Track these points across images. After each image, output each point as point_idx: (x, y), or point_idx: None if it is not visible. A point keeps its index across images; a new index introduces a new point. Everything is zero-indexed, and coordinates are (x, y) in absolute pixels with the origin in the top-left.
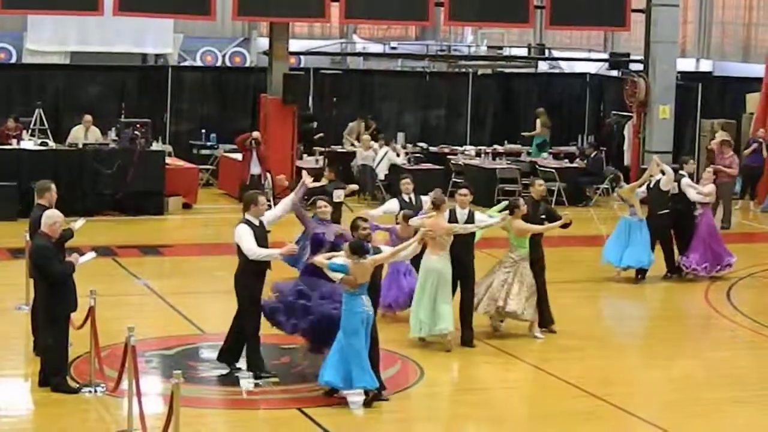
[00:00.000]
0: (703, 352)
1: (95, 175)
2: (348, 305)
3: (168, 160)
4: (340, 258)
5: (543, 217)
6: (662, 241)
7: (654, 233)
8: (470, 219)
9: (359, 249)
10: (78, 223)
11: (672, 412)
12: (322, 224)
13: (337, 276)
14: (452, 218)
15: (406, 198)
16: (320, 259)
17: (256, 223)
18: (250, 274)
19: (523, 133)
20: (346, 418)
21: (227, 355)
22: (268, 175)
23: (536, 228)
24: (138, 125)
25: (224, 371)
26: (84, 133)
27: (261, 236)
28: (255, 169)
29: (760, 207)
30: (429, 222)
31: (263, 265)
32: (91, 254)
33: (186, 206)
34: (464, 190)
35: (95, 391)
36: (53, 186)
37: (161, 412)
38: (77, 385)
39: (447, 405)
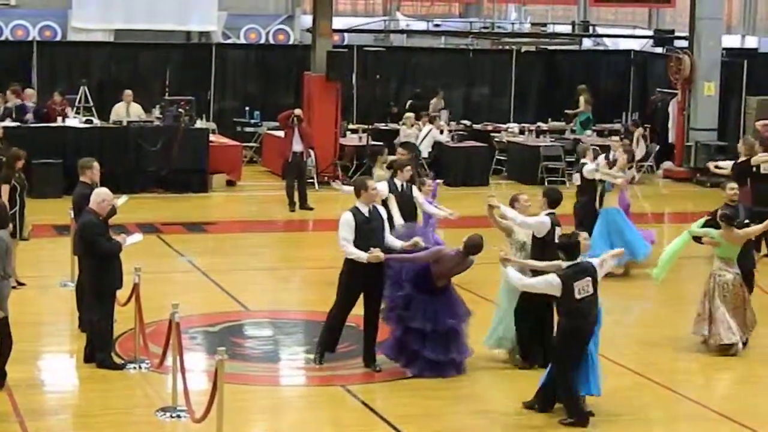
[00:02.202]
0: None
1: (140, 152)
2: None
3: (212, 137)
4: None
5: (747, 221)
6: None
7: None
8: None
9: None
10: (121, 200)
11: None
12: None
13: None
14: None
15: (398, 183)
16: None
17: (365, 211)
18: (349, 263)
19: (566, 111)
20: (387, 395)
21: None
22: (312, 152)
23: (757, 228)
24: (182, 103)
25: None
26: (126, 110)
27: (367, 226)
28: (297, 146)
29: None
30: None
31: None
32: (139, 236)
33: (230, 183)
34: (525, 196)
35: (140, 368)
36: (96, 164)
37: (205, 388)
38: (122, 362)
39: (488, 383)
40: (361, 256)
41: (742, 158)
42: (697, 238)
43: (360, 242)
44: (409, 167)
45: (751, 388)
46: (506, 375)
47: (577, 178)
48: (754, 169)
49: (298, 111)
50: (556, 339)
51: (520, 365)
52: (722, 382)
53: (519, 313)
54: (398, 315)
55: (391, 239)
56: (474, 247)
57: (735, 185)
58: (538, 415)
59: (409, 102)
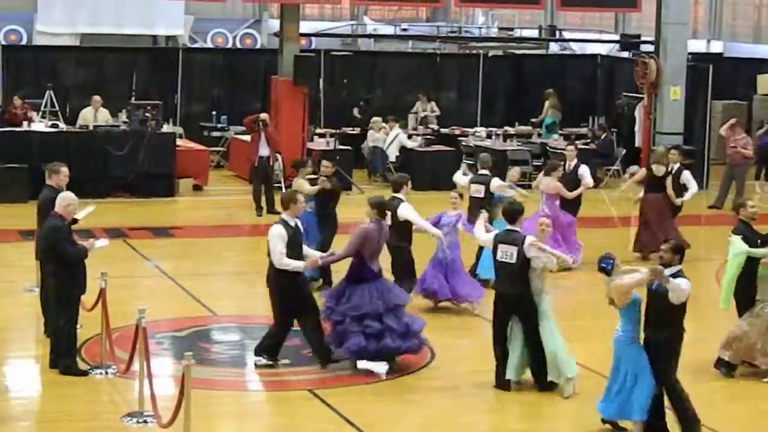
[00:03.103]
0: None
1: (106, 157)
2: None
3: (179, 142)
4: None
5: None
6: None
7: None
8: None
9: (599, 268)
10: (83, 213)
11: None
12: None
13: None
14: None
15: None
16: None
17: (292, 224)
18: (281, 276)
19: (532, 120)
20: (356, 400)
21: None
22: (279, 156)
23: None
24: (149, 107)
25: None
26: (93, 115)
27: (295, 239)
28: (263, 150)
29: None
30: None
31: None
32: (105, 241)
33: (197, 188)
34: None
35: (106, 373)
36: (64, 169)
37: (172, 393)
38: (87, 367)
39: (457, 386)
40: (299, 265)
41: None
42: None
43: (289, 254)
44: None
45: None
46: (476, 383)
47: (481, 191)
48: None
49: (264, 115)
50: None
51: None
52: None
53: None
54: (340, 309)
55: (307, 249)
56: (379, 204)
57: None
58: (500, 423)
59: (355, 110)
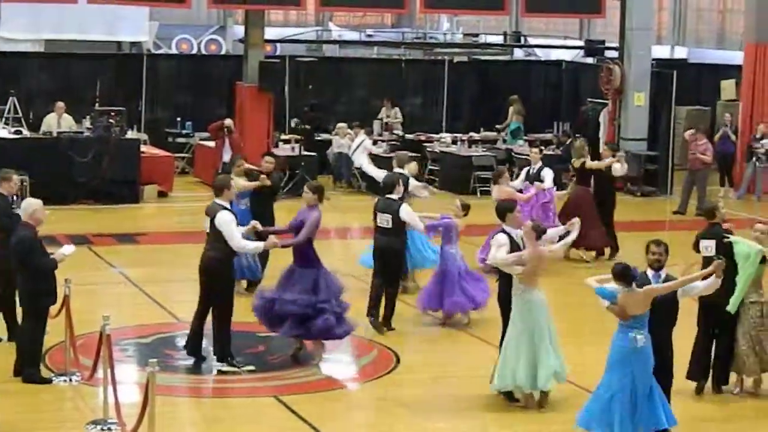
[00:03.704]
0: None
1: (70, 163)
2: (618, 337)
3: (143, 148)
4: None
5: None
6: None
7: None
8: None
9: (623, 275)
10: (64, 252)
11: None
12: (309, 210)
13: (603, 302)
14: (513, 243)
15: None
16: (590, 281)
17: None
18: (228, 263)
19: (497, 126)
20: (321, 406)
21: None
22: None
23: None
24: (113, 113)
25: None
26: (57, 121)
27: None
28: (227, 156)
29: (736, 194)
30: (530, 254)
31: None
32: (71, 248)
33: (161, 194)
34: (518, 207)
35: (70, 380)
36: (15, 177)
37: (137, 401)
38: (51, 375)
39: (422, 392)
40: (259, 245)
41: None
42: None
43: None
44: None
45: None
46: (441, 388)
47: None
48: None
49: (228, 121)
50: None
51: None
52: None
53: None
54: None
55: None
56: (319, 189)
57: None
58: (467, 429)
59: (294, 121)
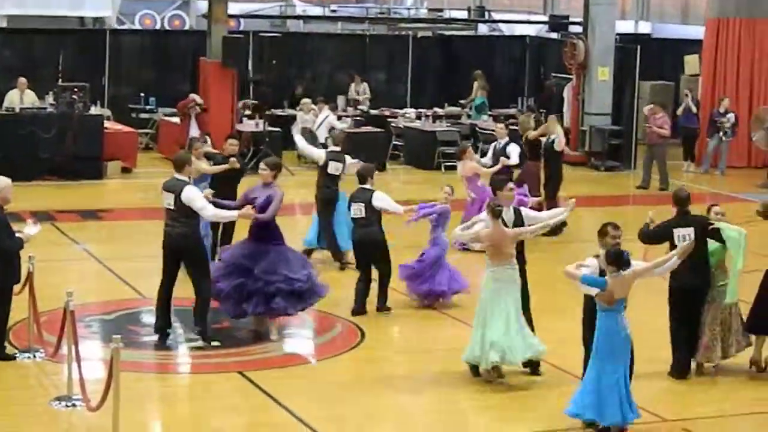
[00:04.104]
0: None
1: (33, 139)
2: (603, 324)
3: (106, 124)
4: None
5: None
6: None
7: None
8: (519, 218)
9: (618, 260)
10: (33, 230)
11: None
12: (265, 188)
13: (592, 291)
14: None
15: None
16: (571, 269)
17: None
18: (199, 235)
19: (461, 101)
20: (285, 381)
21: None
22: (208, 138)
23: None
24: (76, 89)
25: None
26: (19, 97)
27: None
28: (194, 132)
29: (701, 168)
30: (486, 234)
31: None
32: (37, 227)
33: (125, 170)
34: (511, 185)
35: (34, 357)
36: None
37: (101, 377)
38: (15, 351)
39: (387, 367)
40: (233, 214)
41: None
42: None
43: None
44: None
45: None
46: (405, 363)
47: (339, 168)
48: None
49: (198, 98)
50: None
51: None
52: None
53: None
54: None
55: None
56: (277, 165)
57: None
58: (428, 404)
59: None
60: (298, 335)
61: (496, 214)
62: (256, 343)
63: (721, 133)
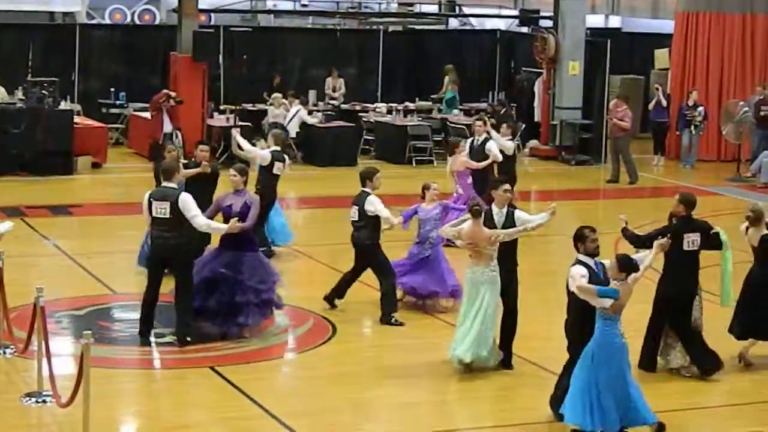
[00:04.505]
0: None
1: (2, 134)
2: (605, 332)
3: (77, 119)
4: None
5: None
6: None
7: None
8: (510, 219)
9: (630, 266)
10: (2, 228)
11: None
12: (238, 194)
13: (606, 302)
14: (488, 219)
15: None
16: (584, 285)
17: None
18: (191, 245)
19: (432, 96)
20: (257, 376)
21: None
22: (179, 133)
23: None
24: (46, 84)
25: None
26: None
27: None
28: (168, 127)
29: (687, 164)
30: (466, 232)
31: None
32: (8, 224)
33: (95, 165)
34: (506, 185)
35: (4, 353)
36: None
37: (71, 373)
38: None
39: (358, 362)
40: (222, 227)
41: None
42: None
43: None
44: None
45: None
46: (375, 358)
47: (281, 168)
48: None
49: (173, 93)
50: None
51: None
52: None
53: None
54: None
55: None
56: (245, 171)
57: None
58: (396, 396)
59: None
60: (271, 330)
61: (475, 213)
62: (227, 338)
63: (691, 127)
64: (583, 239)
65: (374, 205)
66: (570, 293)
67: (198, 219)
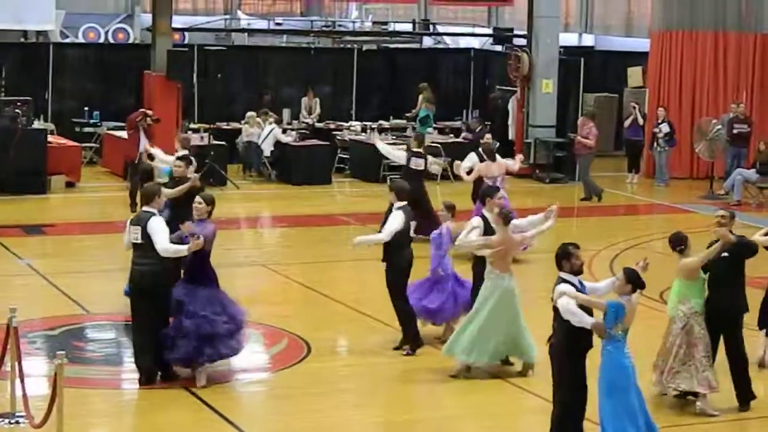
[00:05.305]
0: None
1: None
2: (613, 355)
3: (50, 138)
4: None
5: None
6: None
7: None
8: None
9: (638, 280)
10: None
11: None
12: (200, 224)
13: (587, 321)
14: (488, 227)
15: None
16: (595, 300)
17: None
18: (168, 271)
19: (406, 114)
20: (232, 396)
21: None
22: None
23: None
24: (19, 103)
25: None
26: None
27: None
28: (144, 146)
29: (661, 183)
30: (497, 240)
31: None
32: None
33: (69, 185)
34: (501, 192)
35: None
36: None
37: (45, 393)
38: None
39: (334, 381)
40: (182, 248)
41: None
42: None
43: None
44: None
45: None
46: (350, 377)
47: None
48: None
49: (149, 112)
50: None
51: None
52: None
53: None
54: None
55: None
56: (213, 201)
57: (724, 212)
58: (372, 416)
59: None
60: (245, 349)
61: (507, 220)
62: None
63: (656, 144)
64: (568, 257)
65: (388, 223)
66: (556, 313)
67: (159, 244)
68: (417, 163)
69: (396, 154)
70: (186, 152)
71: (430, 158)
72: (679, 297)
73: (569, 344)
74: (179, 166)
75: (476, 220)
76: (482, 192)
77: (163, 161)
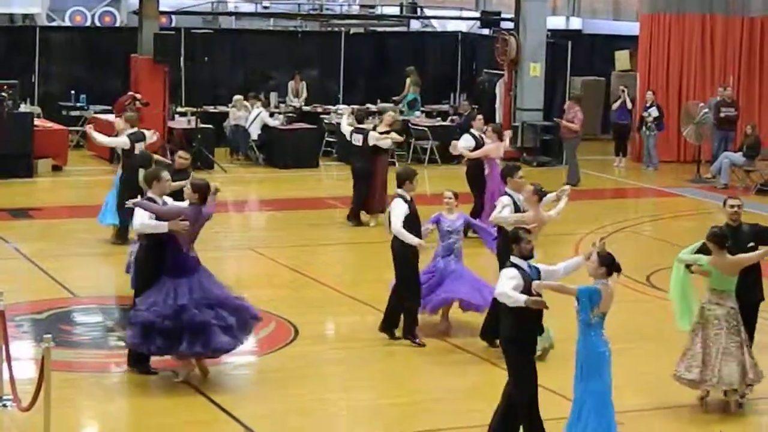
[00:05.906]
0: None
1: None
2: (591, 343)
3: (37, 121)
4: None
5: (751, 244)
6: None
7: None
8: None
9: (613, 264)
10: None
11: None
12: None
13: (520, 300)
14: (516, 206)
15: None
16: (565, 285)
17: (159, 202)
18: (152, 257)
19: (394, 98)
20: (220, 380)
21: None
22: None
23: (750, 257)
24: (5, 87)
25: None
26: None
27: None
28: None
29: (650, 167)
30: (532, 216)
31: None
32: None
33: (56, 168)
34: (521, 172)
35: None
36: None
37: (32, 377)
38: None
39: (321, 363)
40: (160, 224)
41: None
42: (688, 266)
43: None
44: None
45: None
46: (337, 359)
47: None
48: None
49: (138, 95)
50: None
51: None
52: None
53: None
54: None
55: None
56: (200, 188)
57: (737, 201)
58: (364, 400)
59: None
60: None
61: (541, 197)
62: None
63: (644, 128)
64: (518, 241)
65: (392, 214)
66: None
67: (135, 219)
68: (356, 139)
69: (347, 130)
70: (134, 130)
71: (372, 134)
72: (718, 292)
73: (516, 334)
74: (184, 158)
75: (506, 199)
76: (504, 171)
77: (101, 143)
